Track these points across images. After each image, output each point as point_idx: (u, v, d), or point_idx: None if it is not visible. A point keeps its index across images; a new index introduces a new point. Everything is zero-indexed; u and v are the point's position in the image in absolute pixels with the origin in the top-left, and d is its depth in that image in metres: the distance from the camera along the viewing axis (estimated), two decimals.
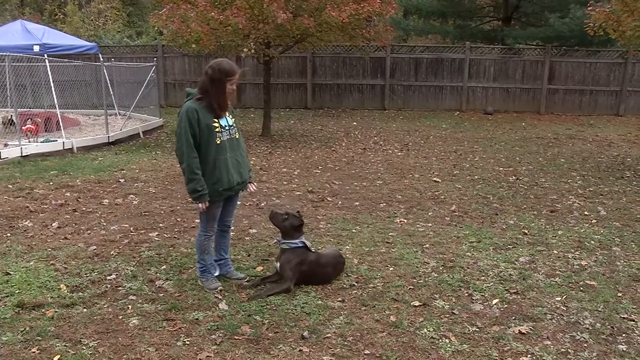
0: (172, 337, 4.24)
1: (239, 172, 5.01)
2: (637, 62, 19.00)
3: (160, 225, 7.03)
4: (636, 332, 4.50)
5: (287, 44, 13.90)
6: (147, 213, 7.54)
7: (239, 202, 5.70)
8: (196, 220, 7.08)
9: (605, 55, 19.21)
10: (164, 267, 5.62)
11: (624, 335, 4.43)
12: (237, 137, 5.00)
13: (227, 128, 4.89)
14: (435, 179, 9.94)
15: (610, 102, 19.49)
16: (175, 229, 6.87)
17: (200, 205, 4.84)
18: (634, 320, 4.68)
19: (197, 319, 4.52)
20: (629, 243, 6.68)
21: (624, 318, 4.72)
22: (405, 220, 7.39)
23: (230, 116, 4.98)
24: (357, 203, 8.24)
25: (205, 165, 4.81)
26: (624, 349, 4.21)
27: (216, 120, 4.81)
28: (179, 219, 7.27)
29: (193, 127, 4.70)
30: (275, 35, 12.79)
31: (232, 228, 5.91)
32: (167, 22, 12.62)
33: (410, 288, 5.19)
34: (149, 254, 5.97)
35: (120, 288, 5.11)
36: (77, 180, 9.27)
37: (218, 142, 4.80)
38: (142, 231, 6.76)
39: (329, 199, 8.46)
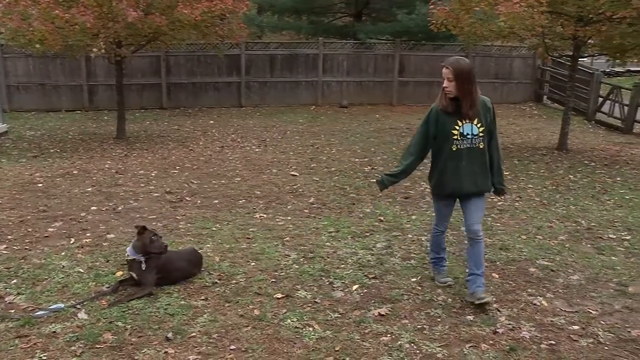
0: (27, 354, 4.01)
1: (474, 181, 4.79)
2: (476, 55, 20.31)
3: (9, 237, 6.60)
4: None
5: (139, 43, 13.52)
6: None
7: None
8: (49, 229, 6.79)
9: (449, 49, 20.34)
10: (15, 281, 5.30)
11: (471, 306, 4.80)
12: (480, 146, 4.74)
13: (469, 137, 4.71)
14: (293, 173, 10.12)
15: None
16: (26, 240, 6.48)
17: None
18: None
19: (54, 331, 4.32)
20: None
21: None
22: (265, 215, 7.49)
23: (480, 125, 4.73)
24: (217, 201, 8.22)
25: (435, 167, 4.99)
26: (471, 319, 4.59)
27: (458, 127, 4.71)
28: (29, 230, 6.87)
29: (429, 125, 4.89)
30: (127, 34, 12.40)
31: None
32: (4, 19, 11.78)
33: (272, 281, 5.28)
34: None
35: None
36: None
37: (454, 149, 4.73)
38: None
39: (187, 198, 8.37)
